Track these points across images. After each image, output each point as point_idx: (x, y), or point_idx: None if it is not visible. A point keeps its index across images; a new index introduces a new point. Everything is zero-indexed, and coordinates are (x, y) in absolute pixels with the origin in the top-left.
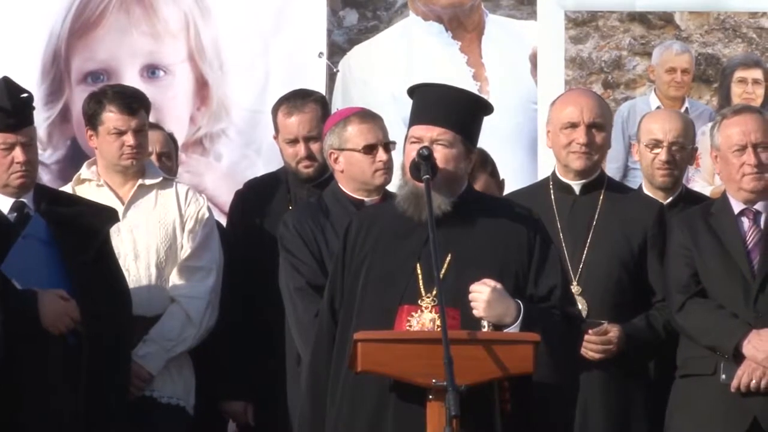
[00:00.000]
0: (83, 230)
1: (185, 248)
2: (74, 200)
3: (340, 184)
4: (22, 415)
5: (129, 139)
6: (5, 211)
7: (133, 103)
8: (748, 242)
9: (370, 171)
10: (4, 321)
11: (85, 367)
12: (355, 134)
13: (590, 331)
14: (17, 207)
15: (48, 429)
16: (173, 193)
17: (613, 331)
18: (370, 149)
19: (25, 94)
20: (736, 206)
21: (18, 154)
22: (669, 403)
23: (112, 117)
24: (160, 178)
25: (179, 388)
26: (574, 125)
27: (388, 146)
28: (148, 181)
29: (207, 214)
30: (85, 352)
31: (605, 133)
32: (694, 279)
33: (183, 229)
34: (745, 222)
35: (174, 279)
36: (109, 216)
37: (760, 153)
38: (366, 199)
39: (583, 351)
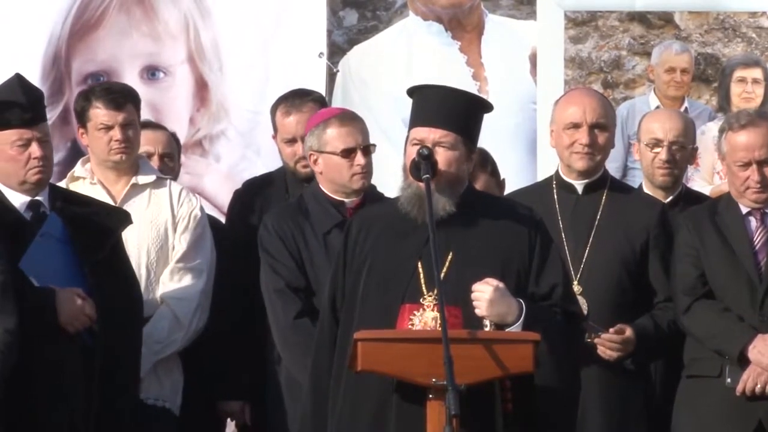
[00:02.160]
0: (98, 230)
1: (177, 249)
2: (87, 201)
3: (320, 185)
4: (36, 413)
5: (116, 133)
6: (21, 209)
7: (119, 97)
8: (755, 243)
9: (348, 175)
10: (22, 319)
11: (99, 366)
12: (334, 137)
13: (610, 330)
14: (33, 206)
15: (61, 427)
16: (167, 193)
17: (629, 330)
18: (348, 153)
19: (37, 91)
20: (744, 206)
21: (35, 149)
22: (675, 402)
23: (98, 113)
24: (154, 177)
25: (166, 390)
26: (576, 125)
27: (367, 150)
28: (141, 180)
29: (199, 215)
30: (100, 352)
31: (608, 133)
32: (701, 280)
33: (175, 229)
34: (753, 222)
35: (164, 280)
36: (122, 217)
37: (765, 169)
38: (346, 200)
39: (600, 351)
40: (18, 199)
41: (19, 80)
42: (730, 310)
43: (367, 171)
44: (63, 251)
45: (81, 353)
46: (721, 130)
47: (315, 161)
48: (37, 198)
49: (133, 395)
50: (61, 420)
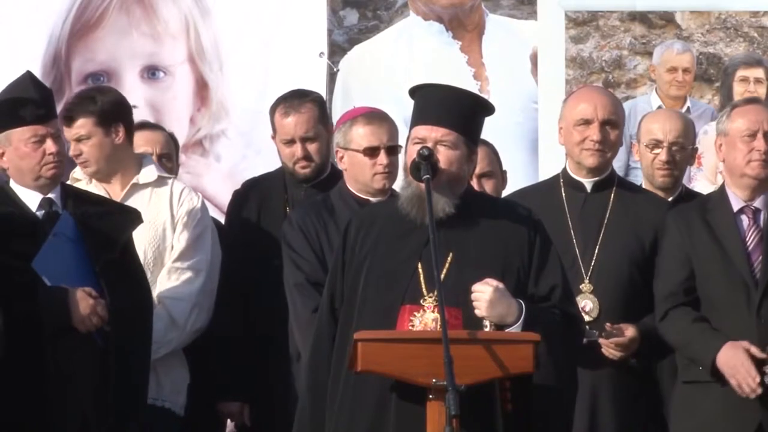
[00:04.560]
0: (110, 229)
1: (174, 249)
2: (99, 200)
3: (346, 183)
4: (48, 413)
5: (50, 146)
6: (33, 207)
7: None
8: (748, 243)
9: (370, 174)
10: (36, 318)
11: (114, 366)
12: (359, 135)
13: (607, 326)
14: (45, 204)
15: (73, 427)
16: (167, 192)
17: (631, 330)
18: (371, 152)
19: (47, 88)
20: (735, 203)
21: (49, 145)
22: (672, 408)
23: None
24: (155, 177)
25: (166, 390)
26: (587, 122)
27: (393, 150)
28: (142, 179)
29: (199, 215)
30: (112, 351)
31: (618, 130)
32: (682, 286)
33: (174, 229)
34: (745, 220)
35: (161, 280)
36: (134, 217)
37: None
38: (372, 199)
39: (605, 350)
40: (31, 198)
41: (30, 77)
42: (703, 320)
43: (389, 171)
44: (75, 251)
45: (93, 353)
46: (723, 114)
47: (341, 158)
48: (49, 196)
49: (143, 394)
50: (74, 420)
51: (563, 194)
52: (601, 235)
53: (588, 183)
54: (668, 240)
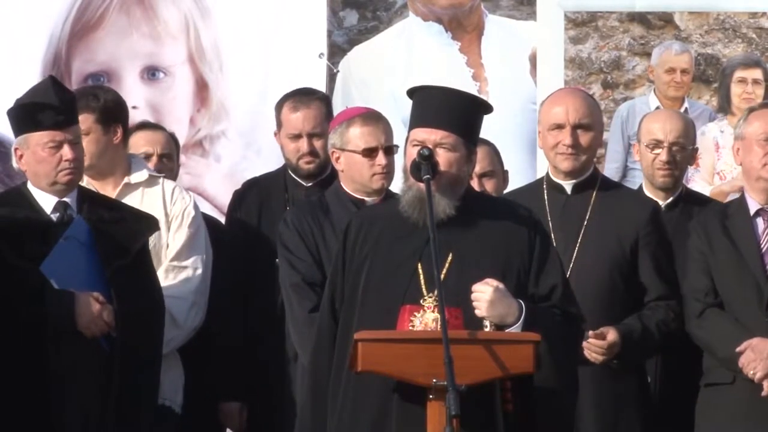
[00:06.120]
0: (124, 235)
1: (170, 248)
2: (116, 205)
3: (342, 184)
4: (50, 416)
5: (67, 153)
6: (48, 210)
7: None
8: (762, 245)
9: (369, 174)
10: (41, 321)
11: (118, 373)
12: (357, 136)
13: (590, 333)
14: (60, 207)
15: (74, 430)
16: (159, 191)
17: (612, 333)
18: (369, 152)
19: (69, 93)
20: (753, 206)
21: (66, 151)
22: (695, 413)
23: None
24: (146, 176)
25: (166, 388)
26: (560, 126)
27: (390, 150)
28: (134, 179)
29: (193, 213)
30: (118, 357)
31: (593, 132)
32: (713, 287)
33: (168, 228)
34: (760, 223)
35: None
36: (150, 224)
37: None
38: (367, 199)
39: (587, 353)
40: (46, 200)
41: (52, 82)
42: (740, 323)
43: (387, 171)
44: (86, 255)
45: (98, 358)
46: (741, 118)
47: (337, 159)
48: (65, 199)
49: (151, 400)
50: (75, 424)
51: (545, 197)
52: (580, 236)
53: (567, 185)
54: (690, 245)
